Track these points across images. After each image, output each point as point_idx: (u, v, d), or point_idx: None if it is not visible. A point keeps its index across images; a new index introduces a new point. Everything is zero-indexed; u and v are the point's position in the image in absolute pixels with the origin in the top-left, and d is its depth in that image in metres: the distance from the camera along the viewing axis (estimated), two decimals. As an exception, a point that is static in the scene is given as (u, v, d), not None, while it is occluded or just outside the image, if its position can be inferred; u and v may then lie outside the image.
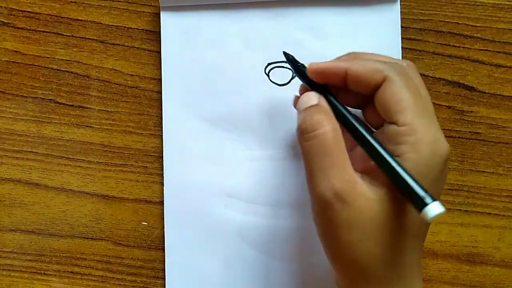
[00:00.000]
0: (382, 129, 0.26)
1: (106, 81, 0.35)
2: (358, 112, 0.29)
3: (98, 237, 0.36)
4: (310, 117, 0.26)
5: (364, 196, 0.24)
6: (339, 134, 0.25)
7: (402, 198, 0.24)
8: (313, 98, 0.27)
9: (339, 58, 0.29)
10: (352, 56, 0.28)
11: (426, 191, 0.23)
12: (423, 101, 0.25)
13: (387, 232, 0.24)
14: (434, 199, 0.22)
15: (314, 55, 0.34)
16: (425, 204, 0.22)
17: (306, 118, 0.26)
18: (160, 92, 0.35)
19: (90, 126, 0.36)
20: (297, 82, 0.34)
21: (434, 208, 0.22)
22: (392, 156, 0.24)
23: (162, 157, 0.35)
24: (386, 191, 0.24)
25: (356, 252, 0.25)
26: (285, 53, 0.31)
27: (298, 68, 0.30)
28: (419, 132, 0.24)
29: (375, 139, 0.25)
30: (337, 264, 0.26)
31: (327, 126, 0.25)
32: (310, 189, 0.26)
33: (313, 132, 0.25)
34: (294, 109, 0.34)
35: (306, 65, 0.29)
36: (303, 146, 0.26)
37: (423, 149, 0.24)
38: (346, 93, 0.28)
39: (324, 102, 0.27)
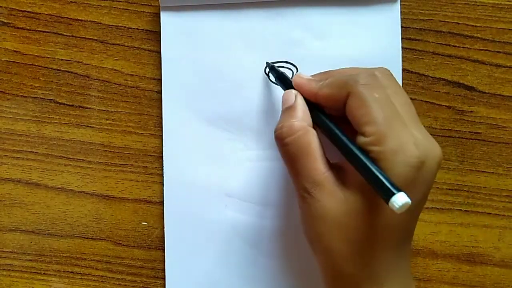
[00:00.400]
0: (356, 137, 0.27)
1: (106, 81, 0.35)
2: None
3: (98, 237, 0.36)
4: (283, 123, 0.28)
5: (332, 194, 0.26)
6: (310, 137, 0.27)
7: (372, 200, 0.25)
8: (290, 98, 0.29)
9: (315, 76, 0.30)
10: (324, 76, 0.30)
11: (392, 183, 0.23)
12: (390, 110, 0.25)
13: (353, 231, 0.26)
14: (400, 190, 0.23)
15: (314, 55, 0.34)
16: (392, 194, 0.23)
17: (279, 125, 0.28)
18: (160, 92, 0.35)
19: (90, 126, 0.36)
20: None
21: (400, 199, 0.22)
22: (362, 152, 0.25)
23: (162, 157, 0.35)
24: (356, 191, 0.26)
25: (324, 242, 0.26)
26: (267, 63, 0.33)
27: (277, 74, 0.32)
28: (382, 143, 0.25)
29: (346, 137, 0.26)
30: (313, 250, 0.28)
31: (298, 132, 0.27)
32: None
33: (287, 138, 0.27)
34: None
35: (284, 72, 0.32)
36: (279, 150, 0.28)
37: (387, 159, 0.25)
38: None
39: (300, 102, 0.28)
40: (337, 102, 0.27)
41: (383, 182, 0.23)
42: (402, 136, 0.25)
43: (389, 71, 0.28)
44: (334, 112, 0.28)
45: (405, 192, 0.23)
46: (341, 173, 0.27)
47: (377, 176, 0.24)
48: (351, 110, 0.26)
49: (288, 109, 0.28)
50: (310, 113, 0.28)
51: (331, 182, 0.26)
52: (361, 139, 0.26)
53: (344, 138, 0.26)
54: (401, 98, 0.27)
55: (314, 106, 0.29)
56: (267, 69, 0.34)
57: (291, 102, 0.29)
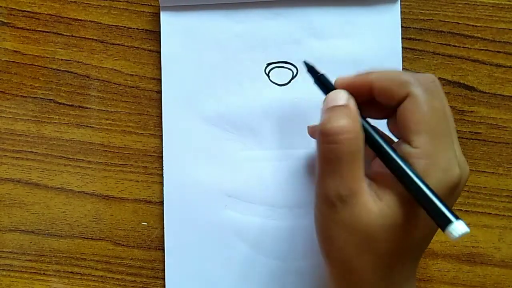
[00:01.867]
0: (398, 142, 0.26)
1: (106, 81, 0.35)
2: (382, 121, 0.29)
3: (98, 237, 0.36)
4: (335, 119, 0.25)
5: (366, 206, 0.24)
6: (359, 142, 0.25)
7: (406, 216, 0.24)
8: (342, 97, 0.26)
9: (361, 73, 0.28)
10: (375, 71, 0.28)
11: (450, 209, 0.22)
12: (444, 123, 0.25)
13: (382, 244, 0.25)
14: (458, 218, 0.22)
15: (314, 55, 0.34)
16: (449, 222, 0.22)
17: (331, 119, 0.25)
18: (160, 92, 0.35)
19: (90, 126, 0.36)
20: (297, 82, 0.34)
21: (459, 228, 0.22)
22: (416, 173, 0.24)
23: (162, 157, 0.35)
24: (390, 209, 0.24)
25: (347, 253, 0.25)
26: (305, 63, 0.30)
27: (317, 77, 0.29)
28: (431, 158, 0.24)
29: (398, 156, 0.25)
30: (329, 261, 0.27)
31: (351, 134, 0.25)
32: (317, 185, 0.26)
33: (335, 136, 0.25)
34: (294, 109, 0.34)
35: (324, 74, 0.28)
36: (322, 146, 0.25)
37: (432, 176, 0.24)
38: (370, 105, 0.27)
39: (353, 104, 0.26)
40: (390, 100, 0.26)
41: (441, 210, 0.22)
42: (450, 154, 0.24)
43: (437, 79, 0.26)
44: (374, 114, 0.27)
45: (463, 220, 0.22)
46: (373, 185, 0.25)
47: (434, 202, 0.23)
48: (406, 113, 0.25)
49: (339, 108, 0.26)
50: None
51: (367, 193, 0.25)
52: (407, 148, 0.25)
53: (393, 154, 0.25)
54: (449, 110, 0.26)
55: (361, 117, 0.26)
56: (267, 69, 0.34)
57: (343, 101, 0.26)
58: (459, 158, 0.25)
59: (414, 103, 0.24)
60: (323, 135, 0.25)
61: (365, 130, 0.26)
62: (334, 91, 0.27)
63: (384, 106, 0.26)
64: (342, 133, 0.24)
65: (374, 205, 0.24)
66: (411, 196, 0.24)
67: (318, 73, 0.29)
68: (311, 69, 0.29)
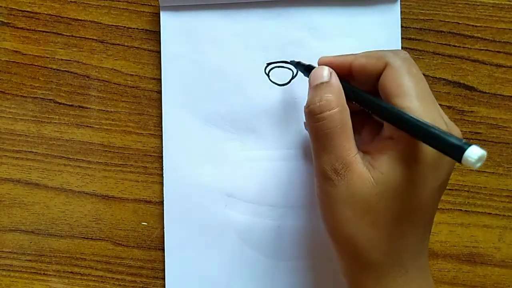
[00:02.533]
0: None
1: (106, 81, 0.35)
2: None
3: (98, 237, 0.36)
4: (319, 97, 0.26)
5: (361, 176, 0.25)
6: (345, 115, 0.26)
7: (402, 182, 0.25)
8: (324, 74, 0.28)
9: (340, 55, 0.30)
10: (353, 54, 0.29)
11: (459, 139, 0.22)
12: (424, 86, 0.26)
13: (382, 215, 0.25)
14: (470, 144, 0.21)
15: (314, 55, 0.34)
16: (463, 150, 0.21)
17: (315, 99, 0.27)
18: (160, 92, 0.35)
19: (90, 126, 0.36)
20: (297, 82, 0.34)
21: (474, 151, 0.21)
22: (417, 118, 0.24)
23: (162, 157, 0.35)
24: (385, 174, 0.25)
25: (349, 228, 0.26)
26: (292, 62, 0.32)
27: (305, 66, 0.31)
28: (417, 115, 0.24)
29: (396, 108, 0.25)
30: (334, 239, 0.27)
31: (335, 108, 0.26)
32: (314, 164, 0.27)
33: (321, 114, 0.26)
34: (294, 109, 0.34)
35: (311, 64, 0.30)
36: (310, 126, 0.27)
37: None
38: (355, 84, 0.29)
39: (335, 79, 0.27)
40: (370, 73, 0.27)
41: (450, 140, 0.22)
42: (434, 112, 0.25)
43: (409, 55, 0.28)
44: (361, 87, 0.28)
45: (476, 145, 0.21)
46: (367, 157, 0.26)
47: (440, 136, 0.22)
48: (386, 81, 0.26)
49: (321, 85, 0.27)
50: (344, 90, 0.27)
51: (360, 163, 0.26)
52: None
53: (393, 107, 0.25)
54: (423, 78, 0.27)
55: (347, 82, 0.28)
56: (267, 69, 0.34)
57: (325, 78, 0.27)
58: (447, 118, 0.26)
59: (393, 70, 0.26)
60: (309, 114, 0.27)
61: (355, 92, 0.27)
62: (316, 68, 0.28)
63: (363, 85, 0.28)
64: (325, 109, 0.26)
65: (369, 174, 0.25)
66: (404, 155, 0.25)
67: (305, 64, 0.31)
68: (298, 64, 0.32)
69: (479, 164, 0.21)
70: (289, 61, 0.33)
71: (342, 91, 0.27)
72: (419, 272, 0.26)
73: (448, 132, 0.23)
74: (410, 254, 0.26)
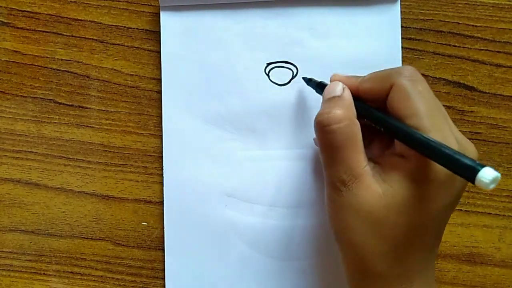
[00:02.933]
0: None
1: (106, 81, 0.35)
2: None
3: (98, 237, 0.36)
4: (328, 110, 0.27)
5: (369, 188, 0.25)
6: (354, 129, 0.26)
7: (411, 196, 0.24)
8: (337, 88, 0.28)
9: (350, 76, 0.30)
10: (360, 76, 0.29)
11: (473, 160, 0.22)
12: (432, 103, 0.26)
13: (389, 227, 0.25)
14: (483, 165, 0.21)
15: (314, 55, 0.34)
16: (477, 171, 0.21)
17: (324, 111, 0.27)
18: (160, 92, 0.35)
19: (90, 126, 0.36)
20: (297, 82, 0.34)
21: (488, 173, 0.21)
22: (429, 137, 0.24)
23: (162, 157, 0.35)
24: (394, 189, 0.25)
25: (355, 237, 0.26)
26: (304, 78, 0.33)
27: (317, 83, 0.31)
28: (428, 133, 0.24)
29: (407, 127, 0.25)
30: (340, 246, 0.27)
31: (344, 121, 0.26)
32: (324, 174, 0.28)
33: (329, 126, 0.26)
34: (294, 109, 0.34)
35: (323, 81, 0.31)
36: (318, 137, 0.27)
37: None
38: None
39: (347, 94, 0.28)
40: (378, 96, 0.27)
41: (463, 161, 0.22)
42: (444, 130, 0.25)
43: (415, 69, 0.28)
44: (372, 104, 0.28)
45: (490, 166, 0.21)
46: (376, 167, 0.26)
47: (453, 156, 0.22)
48: (394, 103, 0.26)
49: (334, 99, 0.27)
50: (357, 107, 0.27)
51: (369, 176, 0.26)
52: None
53: (403, 125, 0.25)
54: (436, 98, 0.27)
55: (359, 99, 0.28)
56: (267, 69, 0.34)
57: (338, 92, 0.28)
58: (459, 135, 0.26)
59: (399, 91, 0.26)
60: (318, 126, 0.27)
61: (367, 110, 0.27)
62: (331, 83, 0.29)
63: (373, 103, 0.28)
64: (335, 122, 0.26)
65: (378, 186, 0.25)
66: (415, 174, 0.24)
67: (317, 81, 0.31)
68: (310, 81, 0.32)
69: (493, 186, 0.21)
70: (302, 77, 0.33)
71: (353, 105, 0.27)
72: (425, 284, 0.26)
73: (459, 152, 0.23)
74: (416, 266, 0.26)
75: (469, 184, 0.35)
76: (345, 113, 0.26)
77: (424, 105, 0.25)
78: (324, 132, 0.26)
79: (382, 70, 0.28)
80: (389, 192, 0.25)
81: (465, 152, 0.25)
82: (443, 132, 0.25)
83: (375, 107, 0.27)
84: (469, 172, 0.21)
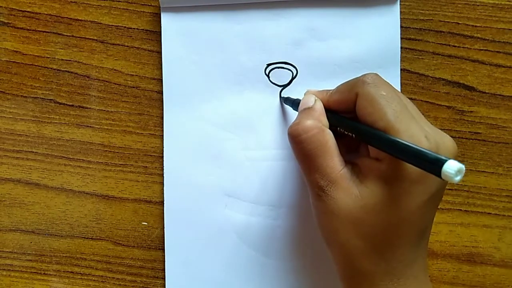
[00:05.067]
0: None
1: (106, 81, 0.35)
2: None
3: (98, 237, 0.36)
4: (298, 121, 0.28)
5: (346, 191, 0.26)
6: (324, 136, 0.27)
7: (388, 195, 0.25)
8: (309, 100, 0.29)
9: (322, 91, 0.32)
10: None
11: (436, 154, 0.22)
12: (396, 105, 0.26)
13: (368, 227, 0.26)
14: (448, 158, 0.21)
15: (314, 56, 0.34)
16: (441, 164, 0.21)
17: (294, 123, 0.28)
18: (160, 92, 0.35)
19: (90, 126, 0.36)
20: (296, 83, 0.34)
21: (452, 165, 0.21)
22: (394, 137, 0.25)
23: (162, 157, 0.35)
24: (371, 187, 0.26)
25: (339, 238, 0.27)
26: (281, 97, 0.34)
27: (293, 101, 0.33)
28: (396, 133, 0.25)
29: (374, 130, 0.26)
30: (328, 247, 0.28)
31: (313, 130, 0.27)
32: (306, 182, 0.29)
33: (299, 136, 0.28)
34: (294, 110, 0.34)
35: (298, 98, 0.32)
36: (292, 148, 0.29)
37: None
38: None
39: (318, 105, 0.29)
40: (348, 106, 0.28)
41: (428, 156, 0.22)
42: (412, 129, 0.25)
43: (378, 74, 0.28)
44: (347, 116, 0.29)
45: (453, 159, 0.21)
46: (356, 170, 0.27)
47: (419, 152, 0.23)
48: (361, 110, 0.27)
49: (306, 110, 0.29)
50: (329, 117, 0.29)
51: (346, 179, 0.27)
52: None
53: (371, 129, 0.26)
54: (404, 97, 0.28)
55: (331, 111, 0.29)
56: (267, 70, 0.34)
57: (310, 104, 0.29)
58: (429, 132, 0.26)
59: (363, 98, 0.27)
60: (290, 137, 0.28)
61: (337, 119, 0.28)
62: (305, 96, 0.30)
63: (346, 114, 0.29)
64: (304, 132, 0.27)
65: (355, 188, 0.26)
66: (388, 174, 0.25)
67: (293, 99, 0.33)
68: (287, 100, 0.33)
69: (458, 178, 0.21)
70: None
71: (324, 115, 0.29)
72: (413, 279, 0.27)
73: (425, 148, 0.23)
74: (402, 263, 0.26)
75: (469, 184, 0.35)
76: (314, 123, 0.28)
77: (388, 108, 0.26)
78: (296, 142, 0.28)
79: (348, 81, 0.29)
80: (365, 193, 0.26)
81: (440, 147, 0.25)
82: (410, 131, 0.25)
83: (346, 116, 0.28)
84: (434, 167, 0.22)
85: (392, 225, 0.26)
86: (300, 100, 0.31)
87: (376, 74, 0.28)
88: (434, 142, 0.25)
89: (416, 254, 0.27)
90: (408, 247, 0.26)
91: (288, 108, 0.34)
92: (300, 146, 0.28)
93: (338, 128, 0.28)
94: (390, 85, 0.27)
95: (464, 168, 0.21)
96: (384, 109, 0.26)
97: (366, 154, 0.28)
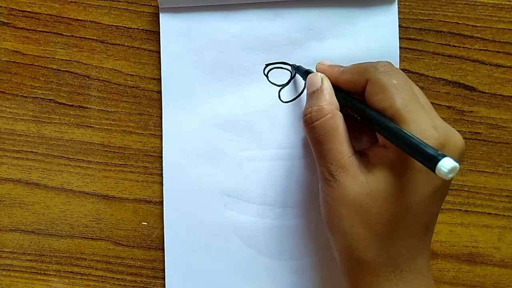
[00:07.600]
0: None
1: (106, 81, 0.35)
2: None
3: (98, 237, 0.36)
4: (312, 107, 0.28)
5: (354, 177, 0.26)
6: (336, 120, 0.28)
7: (395, 184, 0.25)
8: (317, 81, 0.30)
9: (335, 65, 0.31)
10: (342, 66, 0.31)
11: (436, 150, 0.23)
12: (406, 94, 0.26)
13: (373, 215, 0.26)
14: (444, 155, 0.22)
15: (312, 56, 0.34)
16: (437, 160, 0.22)
17: (307, 109, 0.29)
18: (160, 92, 0.35)
19: (90, 126, 0.36)
20: (296, 83, 0.34)
21: (447, 162, 0.21)
22: (398, 126, 0.25)
23: (162, 157, 0.35)
24: (378, 175, 0.26)
25: (343, 226, 0.27)
26: (293, 65, 0.34)
27: (304, 71, 0.32)
28: (403, 126, 0.25)
29: (381, 116, 0.26)
30: (331, 235, 0.28)
31: (325, 115, 0.28)
32: (317, 167, 0.29)
33: (315, 122, 0.28)
34: (293, 109, 0.34)
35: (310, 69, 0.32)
36: (307, 133, 0.29)
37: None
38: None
39: (327, 84, 0.29)
40: (356, 88, 0.28)
41: (426, 150, 0.23)
42: (421, 119, 0.25)
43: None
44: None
45: (451, 157, 0.22)
46: (364, 159, 0.27)
47: (418, 145, 0.23)
48: (371, 96, 0.27)
49: (315, 93, 0.29)
50: (336, 96, 0.29)
51: (355, 166, 0.27)
52: None
53: (377, 115, 0.26)
54: (416, 87, 0.28)
55: (340, 89, 0.29)
56: (266, 70, 0.34)
57: (317, 85, 0.29)
58: (438, 124, 0.26)
59: (374, 85, 0.27)
60: (305, 124, 0.29)
61: (346, 99, 0.29)
62: (310, 75, 0.30)
63: (353, 94, 0.29)
64: (318, 118, 0.28)
65: (362, 176, 0.26)
66: (395, 163, 0.25)
67: (304, 69, 0.32)
68: (298, 69, 0.33)
69: (451, 175, 0.21)
70: (289, 63, 0.33)
71: (334, 97, 0.29)
72: (416, 273, 0.26)
73: (424, 142, 0.23)
74: (405, 255, 0.26)
75: (469, 184, 0.35)
76: (326, 107, 0.28)
77: (398, 97, 0.26)
78: (310, 128, 0.28)
79: (361, 63, 0.29)
80: (372, 181, 0.26)
81: (449, 140, 0.25)
82: (418, 121, 0.25)
83: (354, 97, 0.28)
84: (431, 162, 0.22)
85: (396, 214, 0.26)
86: (311, 71, 0.31)
87: (389, 63, 0.28)
88: (444, 134, 0.25)
89: (420, 247, 0.27)
90: (411, 239, 0.26)
91: (288, 108, 0.34)
92: (312, 132, 0.28)
93: (346, 108, 0.28)
94: (403, 74, 0.27)
95: (458, 167, 0.21)
96: (393, 97, 0.26)
97: (375, 142, 0.28)
